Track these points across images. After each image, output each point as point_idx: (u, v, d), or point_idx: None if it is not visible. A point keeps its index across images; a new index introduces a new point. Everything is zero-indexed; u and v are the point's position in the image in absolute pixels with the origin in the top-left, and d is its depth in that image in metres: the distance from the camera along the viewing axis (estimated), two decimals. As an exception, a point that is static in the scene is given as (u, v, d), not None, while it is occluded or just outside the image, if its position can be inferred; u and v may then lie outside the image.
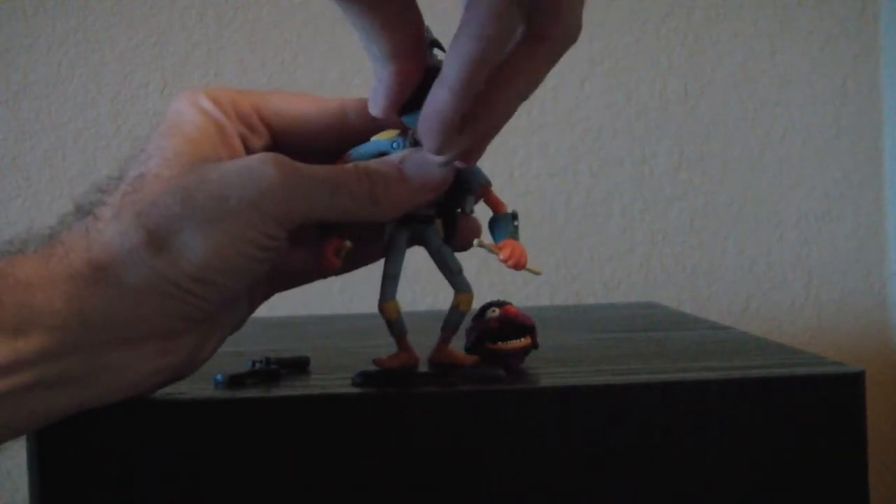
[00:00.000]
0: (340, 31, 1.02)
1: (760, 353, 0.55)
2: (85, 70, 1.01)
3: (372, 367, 0.49)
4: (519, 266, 0.47)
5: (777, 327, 1.05)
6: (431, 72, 0.43)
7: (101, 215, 0.43)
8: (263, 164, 0.43)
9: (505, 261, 0.47)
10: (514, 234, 0.48)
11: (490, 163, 0.48)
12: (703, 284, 1.06)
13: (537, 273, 0.49)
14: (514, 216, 0.48)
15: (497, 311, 0.52)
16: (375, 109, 0.45)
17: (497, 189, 0.50)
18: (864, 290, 1.06)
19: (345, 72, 1.02)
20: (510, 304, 0.53)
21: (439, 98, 0.41)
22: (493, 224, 0.49)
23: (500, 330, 0.52)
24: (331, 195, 0.44)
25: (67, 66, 1.01)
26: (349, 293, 1.02)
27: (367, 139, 0.49)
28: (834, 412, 0.47)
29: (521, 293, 1.03)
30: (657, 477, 0.47)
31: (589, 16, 0.42)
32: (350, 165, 0.46)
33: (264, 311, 0.53)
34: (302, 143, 0.49)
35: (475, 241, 0.49)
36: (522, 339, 0.52)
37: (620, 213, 1.05)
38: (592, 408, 0.47)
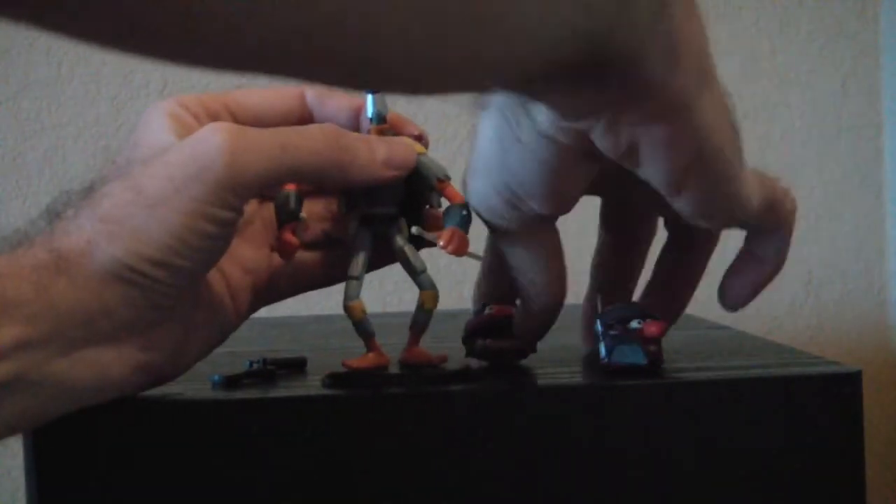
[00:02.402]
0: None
1: (759, 353, 0.55)
2: (85, 70, 1.01)
3: (341, 369, 0.50)
4: (458, 252, 0.48)
5: (777, 327, 1.05)
6: None
7: (65, 215, 0.44)
8: (209, 133, 0.44)
9: (444, 247, 0.48)
10: (463, 223, 0.49)
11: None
12: (703, 284, 1.06)
13: (478, 258, 0.51)
14: (464, 206, 0.49)
15: (494, 309, 0.52)
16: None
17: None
18: (864, 290, 1.06)
19: (344, 72, 1.02)
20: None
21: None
22: (444, 215, 0.50)
23: (490, 327, 0.51)
24: (281, 149, 0.44)
25: (67, 66, 1.01)
26: (349, 293, 1.01)
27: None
28: (831, 411, 0.47)
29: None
30: (656, 477, 0.47)
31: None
32: (314, 125, 0.48)
33: (263, 311, 0.53)
34: None
35: (413, 229, 0.50)
36: (511, 342, 0.51)
37: (620, 213, 1.05)
38: (592, 408, 0.47)
